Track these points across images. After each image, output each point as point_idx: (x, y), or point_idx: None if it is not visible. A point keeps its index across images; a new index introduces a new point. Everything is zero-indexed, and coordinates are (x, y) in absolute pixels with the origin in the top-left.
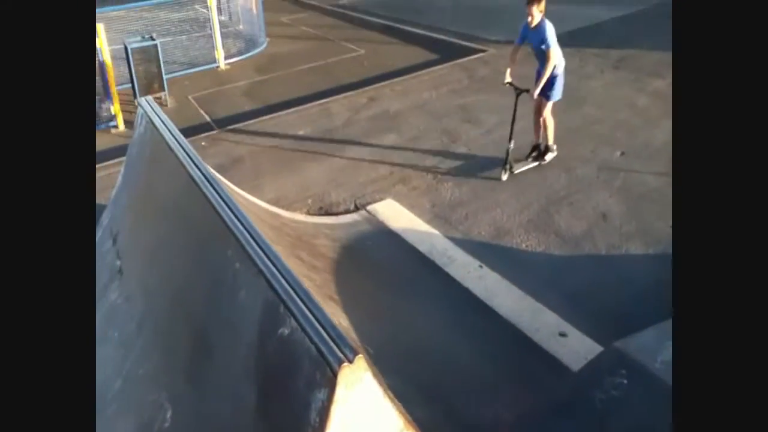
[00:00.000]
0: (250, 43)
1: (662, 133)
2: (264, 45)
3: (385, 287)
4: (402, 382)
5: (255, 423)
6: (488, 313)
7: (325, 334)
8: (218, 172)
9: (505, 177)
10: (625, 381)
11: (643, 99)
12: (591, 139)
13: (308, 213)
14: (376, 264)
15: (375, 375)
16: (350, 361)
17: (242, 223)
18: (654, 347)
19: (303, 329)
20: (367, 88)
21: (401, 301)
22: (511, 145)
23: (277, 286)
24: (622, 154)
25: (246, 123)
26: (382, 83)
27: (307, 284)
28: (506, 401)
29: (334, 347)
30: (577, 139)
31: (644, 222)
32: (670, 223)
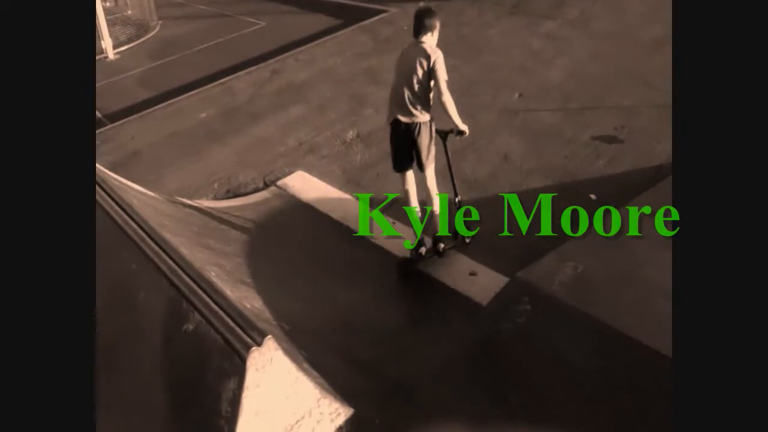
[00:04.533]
0: (141, 28)
1: (556, 71)
2: (157, 29)
3: (301, 260)
4: (326, 351)
5: (167, 427)
6: None
7: (231, 322)
8: (113, 170)
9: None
10: (529, 307)
11: (536, 42)
12: (491, 85)
13: (215, 198)
14: (290, 239)
15: (287, 352)
16: (259, 344)
17: (136, 222)
18: (553, 271)
19: (208, 321)
20: (270, 61)
21: (318, 269)
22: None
23: (177, 281)
24: (520, 96)
25: (142, 113)
26: (286, 54)
27: (216, 272)
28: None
29: (241, 333)
30: (479, 88)
31: (542, 157)
32: (565, 154)
